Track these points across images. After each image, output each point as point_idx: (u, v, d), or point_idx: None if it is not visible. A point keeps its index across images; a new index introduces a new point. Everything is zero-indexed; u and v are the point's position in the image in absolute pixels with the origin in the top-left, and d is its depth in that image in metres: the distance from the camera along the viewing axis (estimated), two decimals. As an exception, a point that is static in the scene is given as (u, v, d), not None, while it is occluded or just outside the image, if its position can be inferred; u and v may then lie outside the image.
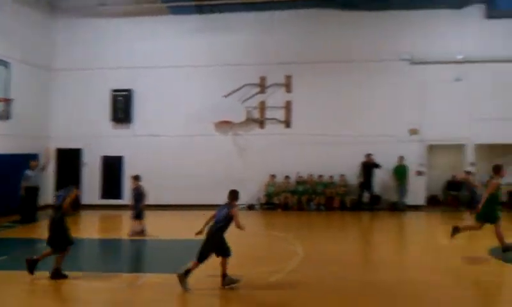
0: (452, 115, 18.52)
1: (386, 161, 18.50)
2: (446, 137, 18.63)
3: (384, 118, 18.98)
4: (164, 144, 19.80)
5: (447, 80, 18.75)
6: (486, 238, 13.46)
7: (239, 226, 8.29)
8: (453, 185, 18.97)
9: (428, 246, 12.85)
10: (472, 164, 18.67)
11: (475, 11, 18.95)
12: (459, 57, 18.80)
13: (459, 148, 19.04)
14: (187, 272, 8.21)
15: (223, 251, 8.27)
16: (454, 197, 18.77)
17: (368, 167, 18.57)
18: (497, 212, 10.84)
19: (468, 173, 17.56)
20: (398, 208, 18.42)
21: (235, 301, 7.95)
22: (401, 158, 18.56)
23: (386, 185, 19.00)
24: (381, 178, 18.91)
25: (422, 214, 18.02)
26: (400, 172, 18.55)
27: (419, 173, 18.73)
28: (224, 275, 8.31)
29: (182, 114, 19.81)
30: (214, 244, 8.25)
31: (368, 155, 18.57)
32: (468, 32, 18.83)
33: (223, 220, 8.34)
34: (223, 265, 8.30)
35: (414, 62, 19.02)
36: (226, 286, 8.23)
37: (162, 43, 20.14)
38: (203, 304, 7.79)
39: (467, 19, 18.94)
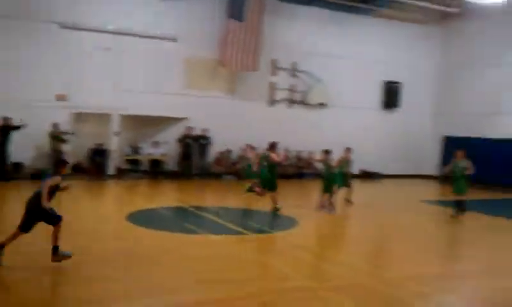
0: (100, 84, 18.84)
1: (37, 127, 17.21)
2: (93, 105, 18.88)
3: (34, 82, 17.89)
4: None
5: (98, 49, 18.89)
6: (126, 205, 14.49)
7: (43, 200, 7.58)
8: (97, 152, 19.32)
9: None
10: (116, 134, 19.51)
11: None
12: (110, 27, 19.21)
13: (106, 117, 19.58)
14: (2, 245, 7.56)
15: (51, 218, 7.68)
16: (98, 165, 19.16)
17: (5, 131, 17.04)
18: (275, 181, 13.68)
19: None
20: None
21: None
22: (56, 125, 17.76)
23: (31, 152, 18.06)
24: (31, 145, 17.85)
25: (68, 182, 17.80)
26: (55, 139, 17.69)
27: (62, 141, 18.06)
28: (55, 248, 7.70)
29: None
30: (38, 214, 7.62)
31: (6, 119, 17.02)
32: (123, 5, 19.34)
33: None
34: (54, 236, 7.69)
35: (66, 26, 18.55)
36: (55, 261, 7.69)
37: None
38: None
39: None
